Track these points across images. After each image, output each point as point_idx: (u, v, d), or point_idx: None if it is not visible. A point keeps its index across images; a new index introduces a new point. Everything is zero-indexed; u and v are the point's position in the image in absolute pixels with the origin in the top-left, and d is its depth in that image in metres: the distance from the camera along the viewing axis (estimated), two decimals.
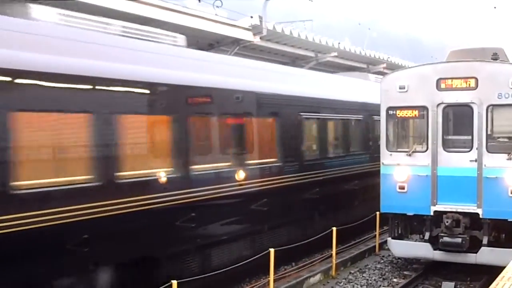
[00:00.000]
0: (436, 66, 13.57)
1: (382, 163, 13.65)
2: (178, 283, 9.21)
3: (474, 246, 12.73)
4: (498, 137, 13.02)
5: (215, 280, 11.00)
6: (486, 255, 12.52)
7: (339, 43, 23.30)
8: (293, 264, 14.27)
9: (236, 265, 11.41)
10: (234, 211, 12.34)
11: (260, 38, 18.62)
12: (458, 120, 13.46)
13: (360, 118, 17.74)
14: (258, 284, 12.46)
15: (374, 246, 15.97)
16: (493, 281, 7.68)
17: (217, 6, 17.99)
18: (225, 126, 12.40)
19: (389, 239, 13.88)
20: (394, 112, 13.58)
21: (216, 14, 17.60)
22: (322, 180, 15.25)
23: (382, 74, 21.17)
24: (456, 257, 12.95)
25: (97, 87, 9.25)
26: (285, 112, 13.92)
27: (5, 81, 7.97)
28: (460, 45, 17.31)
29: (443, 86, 13.04)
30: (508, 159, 12.41)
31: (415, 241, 13.84)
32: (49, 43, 8.91)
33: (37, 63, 8.39)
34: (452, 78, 12.97)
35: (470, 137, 12.87)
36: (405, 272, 13.85)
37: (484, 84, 12.67)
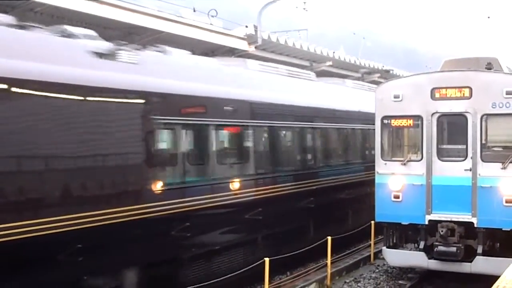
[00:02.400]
0: (430, 76, 13.61)
1: (377, 172, 13.66)
2: None
3: (468, 255, 12.73)
4: (493, 146, 13.04)
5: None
6: (481, 265, 12.51)
7: (334, 52, 23.37)
8: (288, 273, 14.24)
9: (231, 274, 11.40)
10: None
11: (255, 47, 18.67)
12: (452, 129, 13.48)
13: (328, 126, 16.57)
14: None
15: (369, 255, 15.95)
16: None
17: (212, 16, 18.05)
18: None
19: (384, 248, 13.87)
20: (389, 121, 13.60)
21: (211, 24, 17.65)
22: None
23: (377, 83, 21.21)
24: (450, 266, 12.93)
25: None
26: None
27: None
28: (454, 55, 17.31)
29: (437, 95, 13.07)
30: (502, 168, 12.43)
31: (410, 250, 13.82)
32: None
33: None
34: (446, 88, 13.01)
35: (464, 146, 12.89)
36: (400, 281, 13.82)
37: (478, 93, 12.71)
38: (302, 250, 13.44)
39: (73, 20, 12.87)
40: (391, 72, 28.53)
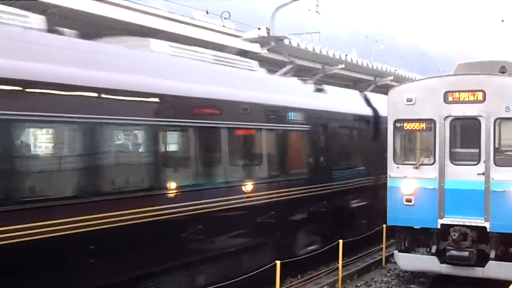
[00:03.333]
0: (443, 79, 13.55)
1: (389, 175, 13.60)
2: None
3: (481, 260, 12.64)
4: (506, 151, 12.96)
5: None
6: (493, 269, 12.43)
7: (346, 55, 23.32)
8: (299, 276, 14.21)
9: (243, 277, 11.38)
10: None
11: (268, 50, 18.65)
12: (465, 133, 13.40)
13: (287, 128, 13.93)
14: None
15: (381, 259, 15.89)
16: None
17: (225, 18, 18.06)
18: None
19: (395, 252, 13.80)
20: (401, 124, 13.55)
21: (223, 26, 17.67)
22: None
23: (389, 86, 21.14)
24: (463, 271, 12.85)
25: None
26: None
27: None
28: (467, 58, 17.21)
29: (450, 99, 13.01)
30: None
31: (422, 254, 13.76)
32: None
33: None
34: (459, 91, 12.94)
35: (477, 150, 12.81)
36: (411, 286, 13.76)
37: (491, 97, 12.63)
38: (314, 253, 13.40)
39: (82, 21, 12.92)
40: (403, 75, 28.47)
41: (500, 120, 12.64)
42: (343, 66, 22.91)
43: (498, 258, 12.56)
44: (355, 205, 16.82)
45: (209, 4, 18.61)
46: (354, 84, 25.89)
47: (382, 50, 36.32)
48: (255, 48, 18.24)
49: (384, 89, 21.58)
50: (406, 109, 13.40)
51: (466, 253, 12.60)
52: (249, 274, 11.46)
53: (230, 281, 11.09)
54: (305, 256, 13.18)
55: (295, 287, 13.21)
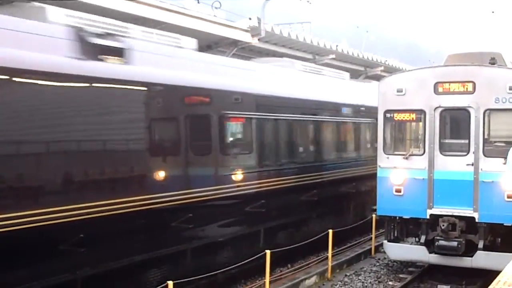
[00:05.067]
0: (434, 70, 13.58)
1: (379, 166, 13.66)
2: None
3: (469, 250, 12.75)
4: (495, 141, 13.03)
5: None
6: (482, 259, 12.53)
7: (337, 45, 23.32)
8: (289, 266, 14.27)
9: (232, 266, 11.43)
10: None
11: (258, 39, 18.60)
12: (455, 124, 13.48)
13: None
14: (254, 285, 12.46)
15: (370, 249, 15.98)
16: (488, 285, 7.69)
17: (216, 7, 17.97)
18: None
19: (385, 242, 13.89)
20: (392, 115, 13.60)
21: (214, 15, 17.58)
22: None
23: (380, 77, 21.18)
24: (451, 261, 12.95)
25: None
26: None
27: None
28: (458, 50, 17.25)
29: (440, 90, 13.05)
30: (504, 164, 12.42)
31: (411, 244, 13.85)
32: None
33: None
34: (449, 82, 12.99)
35: (467, 141, 12.89)
36: (400, 275, 13.85)
37: (481, 88, 12.69)
38: (303, 243, 13.46)
39: (73, 8, 12.80)
40: (394, 66, 28.51)
41: (489, 111, 12.71)
42: (334, 56, 22.91)
43: (486, 248, 12.66)
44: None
45: None
46: None
47: (373, 40, 36.33)
48: (246, 37, 18.18)
49: (374, 79, 21.62)
50: (396, 99, 13.44)
51: (454, 243, 12.70)
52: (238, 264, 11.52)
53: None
54: (295, 245, 13.22)
55: (285, 276, 13.26)
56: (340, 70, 19.40)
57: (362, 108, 17.93)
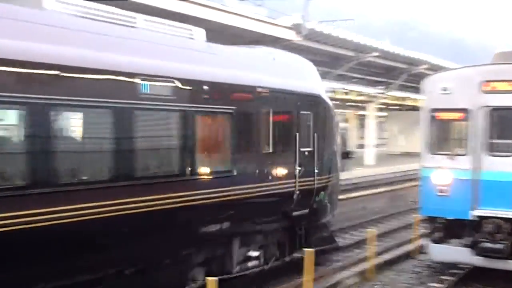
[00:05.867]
0: (480, 68, 13.30)
1: (423, 165, 13.45)
2: None
3: None
4: None
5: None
6: None
7: (380, 43, 23.09)
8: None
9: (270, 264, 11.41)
10: None
11: (301, 37, 18.55)
12: (502, 123, 13.16)
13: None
14: (294, 284, 12.40)
15: (412, 250, 15.75)
16: None
17: (258, 5, 17.97)
18: None
19: (428, 243, 13.67)
20: (437, 114, 13.37)
21: (256, 13, 17.58)
22: None
23: (424, 75, 20.87)
24: (496, 264, 12.68)
25: None
26: None
27: None
28: (505, 46, 16.84)
29: (487, 88, 12.77)
30: None
31: (454, 245, 13.60)
32: None
33: None
34: (497, 81, 12.70)
35: None
36: (442, 277, 13.61)
37: None
38: None
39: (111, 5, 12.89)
40: (438, 64, 28.09)
41: None
42: (377, 54, 22.69)
43: None
44: None
45: None
46: (387, 72, 25.62)
47: (416, 37, 35.83)
48: (289, 35, 18.14)
49: (418, 78, 21.32)
50: (442, 98, 13.21)
51: (500, 246, 12.41)
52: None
53: None
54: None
55: (326, 275, 13.17)
56: (189, 26, 11.50)
57: (205, 87, 10.36)
